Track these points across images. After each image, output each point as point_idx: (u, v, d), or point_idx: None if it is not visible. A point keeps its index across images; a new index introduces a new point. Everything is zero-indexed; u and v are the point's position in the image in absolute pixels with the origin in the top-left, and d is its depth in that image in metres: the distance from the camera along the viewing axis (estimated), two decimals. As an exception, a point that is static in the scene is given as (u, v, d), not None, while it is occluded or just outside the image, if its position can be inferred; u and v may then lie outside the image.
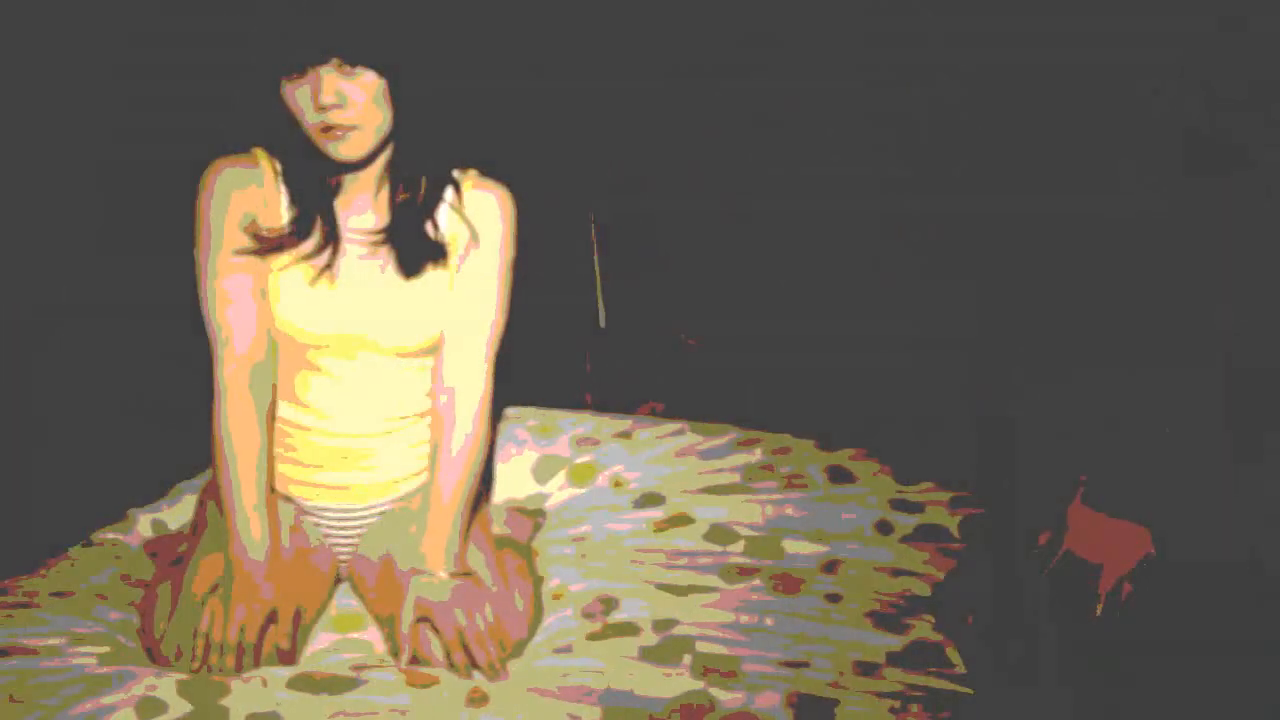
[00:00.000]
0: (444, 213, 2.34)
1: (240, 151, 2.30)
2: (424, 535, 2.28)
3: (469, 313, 2.33)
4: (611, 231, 3.45)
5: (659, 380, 3.40)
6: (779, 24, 3.15)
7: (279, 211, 2.29)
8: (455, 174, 2.35)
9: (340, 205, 2.32)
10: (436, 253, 2.32)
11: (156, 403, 2.73)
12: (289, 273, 2.28)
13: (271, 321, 2.27)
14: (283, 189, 2.30)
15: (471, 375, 2.33)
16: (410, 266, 2.31)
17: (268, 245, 2.26)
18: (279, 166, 2.30)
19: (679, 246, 3.38)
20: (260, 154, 2.30)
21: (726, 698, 2.05)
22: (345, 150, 2.20)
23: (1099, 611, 1.77)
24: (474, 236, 2.33)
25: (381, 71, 2.17)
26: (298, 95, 2.17)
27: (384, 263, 2.31)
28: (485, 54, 3.06)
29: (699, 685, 2.07)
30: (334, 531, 2.41)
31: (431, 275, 2.33)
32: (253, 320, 2.25)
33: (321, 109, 2.15)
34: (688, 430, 2.85)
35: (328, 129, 2.17)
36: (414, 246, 2.31)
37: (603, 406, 3.19)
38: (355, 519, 2.41)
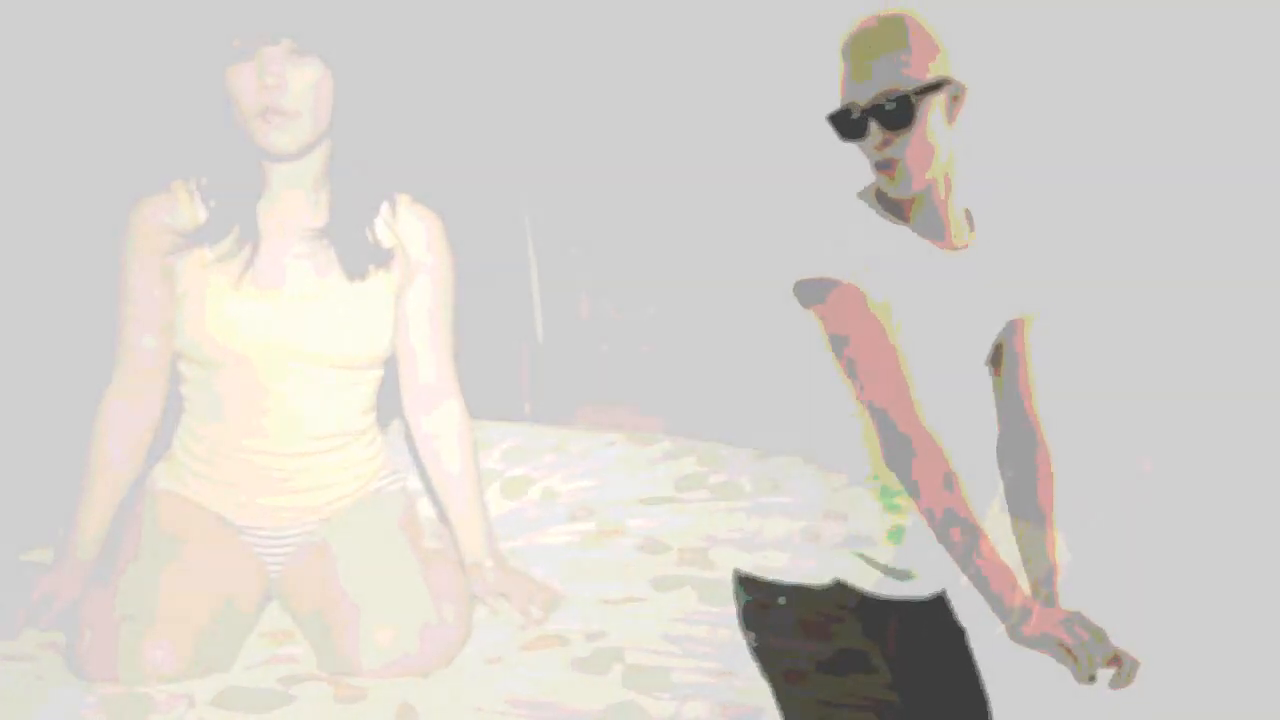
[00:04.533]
0: (380, 227, 2.35)
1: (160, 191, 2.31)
2: (467, 529, 2.44)
3: (432, 330, 2.41)
4: (546, 241, 3.45)
5: (596, 390, 3.40)
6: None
7: (192, 221, 2.28)
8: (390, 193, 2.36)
9: (275, 210, 2.30)
10: (381, 257, 2.32)
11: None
12: (217, 280, 2.26)
13: (169, 345, 2.31)
14: (198, 202, 2.29)
15: (447, 381, 2.45)
16: (354, 267, 2.30)
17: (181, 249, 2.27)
18: (194, 188, 2.30)
19: (620, 255, 3.38)
20: (178, 185, 2.31)
21: (656, 707, 2.05)
22: (281, 139, 2.20)
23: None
24: (410, 257, 2.34)
25: (328, 64, 2.18)
26: (241, 77, 2.17)
27: (324, 266, 2.31)
28: (427, 58, 3.06)
29: (629, 695, 2.08)
30: (265, 550, 2.39)
31: (372, 285, 2.32)
32: (152, 345, 2.32)
33: (264, 88, 2.15)
34: (621, 441, 2.86)
35: (266, 112, 2.17)
36: (356, 247, 2.31)
37: (538, 417, 3.19)
38: (287, 539, 2.39)
